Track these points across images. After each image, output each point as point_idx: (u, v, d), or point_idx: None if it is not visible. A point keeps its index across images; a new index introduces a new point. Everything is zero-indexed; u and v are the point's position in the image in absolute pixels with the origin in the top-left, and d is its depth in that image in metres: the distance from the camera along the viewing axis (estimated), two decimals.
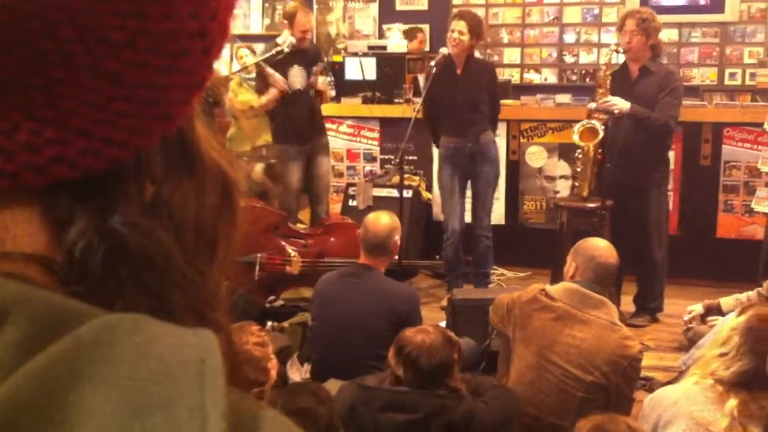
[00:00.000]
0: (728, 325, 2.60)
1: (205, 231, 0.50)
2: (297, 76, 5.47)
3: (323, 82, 5.68)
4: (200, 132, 0.51)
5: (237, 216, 0.52)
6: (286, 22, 5.54)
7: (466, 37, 4.99)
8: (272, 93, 5.49)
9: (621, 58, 5.07)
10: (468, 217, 5.36)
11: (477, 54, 5.34)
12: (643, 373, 3.52)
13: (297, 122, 5.49)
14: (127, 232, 0.45)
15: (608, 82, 4.93)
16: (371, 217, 3.91)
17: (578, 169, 5.09)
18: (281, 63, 5.44)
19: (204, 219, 0.50)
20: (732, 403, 2.42)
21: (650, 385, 3.75)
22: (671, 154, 5.52)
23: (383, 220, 3.84)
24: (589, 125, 4.90)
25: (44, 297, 0.41)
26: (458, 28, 5.01)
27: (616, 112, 4.74)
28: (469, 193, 5.34)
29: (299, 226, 5.54)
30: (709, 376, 2.50)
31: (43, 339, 0.39)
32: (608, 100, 4.79)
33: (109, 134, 0.45)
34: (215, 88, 4.53)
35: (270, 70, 5.42)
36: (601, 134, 4.84)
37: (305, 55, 5.50)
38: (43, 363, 0.38)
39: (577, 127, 4.92)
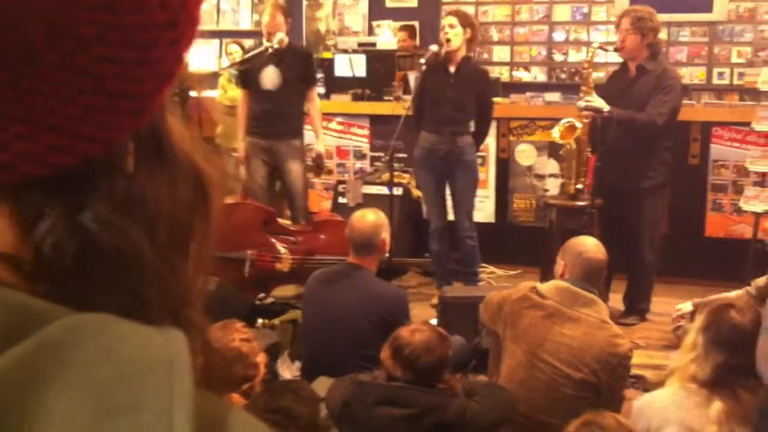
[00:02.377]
0: (692, 328, 2.69)
1: (179, 226, 0.49)
2: (268, 77, 5.41)
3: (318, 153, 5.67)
4: (172, 125, 0.50)
5: (212, 211, 0.51)
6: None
7: (458, 30, 4.96)
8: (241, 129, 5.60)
9: (609, 56, 5.08)
10: (451, 215, 5.36)
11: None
12: (633, 371, 3.53)
13: (260, 118, 5.46)
14: (98, 228, 0.44)
15: (591, 80, 4.93)
16: (356, 215, 3.88)
17: (564, 168, 5.10)
18: (258, 63, 5.40)
19: (177, 214, 0.48)
20: (716, 406, 2.46)
21: (640, 384, 3.76)
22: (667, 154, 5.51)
23: (368, 217, 3.80)
24: (568, 124, 4.91)
25: (9, 297, 0.40)
26: (448, 22, 5.00)
27: (604, 112, 4.74)
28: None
29: (289, 223, 5.52)
30: (691, 381, 2.55)
31: (6, 341, 0.38)
32: (591, 101, 4.79)
33: (78, 129, 0.44)
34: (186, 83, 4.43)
35: None
36: (580, 131, 4.85)
37: (286, 57, 5.39)
38: (5, 366, 0.37)
39: (557, 128, 4.94)
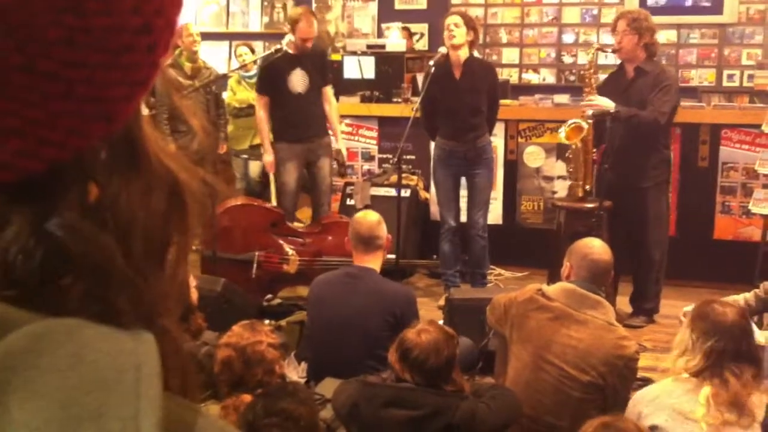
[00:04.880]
0: (681, 330, 2.80)
1: (153, 235, 0.48)
2: (298, 80, 5.45)
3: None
4: (148, 133, 0.49)
5: (188, 220, 0.50)
6: (289, 26, 5.51)
7: (462, 30, 4.98)
8: (264, 141, 5.62)
9: (609, 58, 5.09)
10: (464, 217, 5.37)
11: (476, 53, 5.33)
12: (640, 374, 3.52)
13: (294, 123, 5.47)
14: (66, 235, 0.44)
15: (593, 80, 4.95)
16: (359, 215, 3.99)
17: (570, 169, 5.10)
18: (284, 67, 5.41)
19: (152, 222, 0.48)
20: (706, 390, 2.53)
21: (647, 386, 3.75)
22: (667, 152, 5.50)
23: (371, 215, 3.90)
24: (574, 125, 4.91)
25: None
26: (453, 21, 5.01)
27: (612, 110, 4.75)
28: (465, 192, 5.35)
29: (297, 225, 5.54)
30: (682, 372, 2.65)
31: None
32: (592, 100, 4.81)
33: (45, 135, 0.43)
34: (169, 93, 4.40)
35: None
36: (586, 131, 4.85)
37: (308, 58, 5.45)
38: None
39: (564, 128, 4.94)
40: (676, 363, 2.68)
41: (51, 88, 0.42)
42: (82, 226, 0.44)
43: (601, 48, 5.12)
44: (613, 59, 5.28)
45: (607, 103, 4.76)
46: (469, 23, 5.03)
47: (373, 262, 3.75)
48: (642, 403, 2.67)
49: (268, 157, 5.54)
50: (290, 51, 5.39)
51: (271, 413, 2.29)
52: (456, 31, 4.96)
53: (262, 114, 5.55)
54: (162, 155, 0.49)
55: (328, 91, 5.61)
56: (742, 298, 3.94)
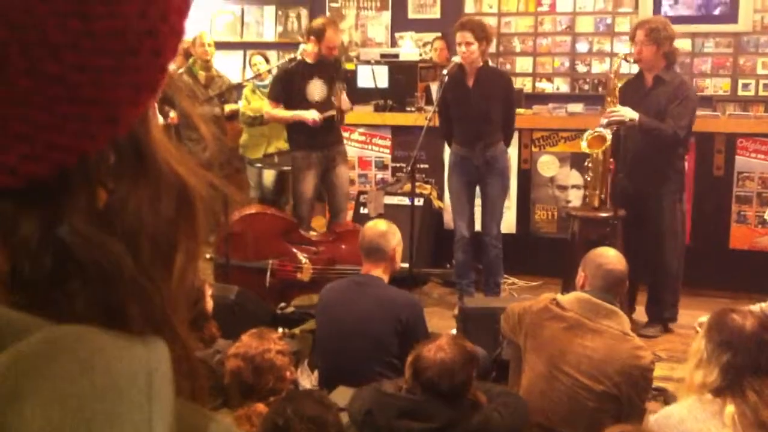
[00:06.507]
0: (697, 338, 2.69)
1: (161, 240, 0.47)
2: (316, 89, 5.48)
3: (345, 100, 5.57)
4: (157, 137, 0.48)
5: (197, 225, 0.50)
6: (313, 38, 5.46)
7: (474, 46, 4.98)
8: (294, 116, 5.47)
9: (633, 68, 5.08)
10: (478, 225, 5.37)
11: (490, 63, 5.33)
12: (656, 384, 3.50)
13: (312, 131, 5.48)
14: (74, 241, 0.43)
15: (617, 91, 4.93)
16: (369, 223, 3.98)
17: (588, 178, 5.08)
18: (301, 75, 5.45)
19: (160, 227, 0.47)
20: (729, 410, 2.45)
21: (663, 396, 3.73)
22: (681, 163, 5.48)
23: (380, 225, 3.88)
24: (597, 133, 4.89)
25: None
26: (464, 39, 5.00)
27: (627, 120, 4.73)
28: (479, 200, 5.35)
29: (311, 233, 5.54)
30: (704, 390, 2.53)
31: None
32: (616, 111, 4.79)
33: (53, 139, 0.42)
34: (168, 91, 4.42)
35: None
36: (609, 141, 4.83)
37: (325, 67, 5.49)
38: None
39: (586, 135, 4.92)
40: (694, 376, 2.58)
41: (57, 91, 0.42)
42: (90, 232, 0.44)
43: (626, 57, 5.10)
44: (631, 68, 5.27)
45: (630, 114, 4.75)
46: (480, 34, 5.01)
47: (378, 272, 3.74)
48: (668, 427, 2.56)
49: (311, 114, 5.40)
50: (308, 60, 5.42)
51: (305, 419, 2.29)
52: (470, 49, 4.96)
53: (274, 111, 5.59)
54: (171, 160, 0.49)
55: (340, 92, 5.61)
56: (758, 307, 3.91)
